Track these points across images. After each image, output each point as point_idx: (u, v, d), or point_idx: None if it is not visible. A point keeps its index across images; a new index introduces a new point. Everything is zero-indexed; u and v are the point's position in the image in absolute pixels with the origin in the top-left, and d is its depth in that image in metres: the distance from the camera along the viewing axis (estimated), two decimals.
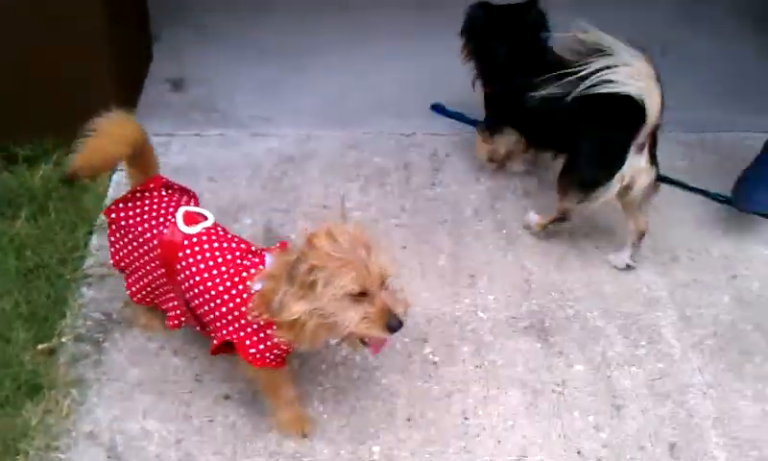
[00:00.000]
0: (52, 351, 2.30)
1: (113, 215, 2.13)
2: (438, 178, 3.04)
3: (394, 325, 1.80)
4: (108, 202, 2.82)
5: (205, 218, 2.06)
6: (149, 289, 2.15)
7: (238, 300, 1.93)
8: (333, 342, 2.09)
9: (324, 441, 2.13)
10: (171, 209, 2.07)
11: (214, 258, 1.98)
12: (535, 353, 2.39)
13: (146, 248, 2.08)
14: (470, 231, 2.81)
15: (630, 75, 2.26)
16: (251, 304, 1.91)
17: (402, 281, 2.19)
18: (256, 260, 1.96)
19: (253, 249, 2.02)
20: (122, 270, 2.19)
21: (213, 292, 1.96)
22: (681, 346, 2.42)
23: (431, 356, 2.36)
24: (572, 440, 2.16)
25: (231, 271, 1.95)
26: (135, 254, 2.12)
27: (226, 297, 1.95)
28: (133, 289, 2.18)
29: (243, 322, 1.93)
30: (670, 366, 2.36)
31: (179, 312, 2.12)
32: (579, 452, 2.13)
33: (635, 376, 2.33)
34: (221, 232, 2.05)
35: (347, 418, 2.18)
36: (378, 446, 2.12)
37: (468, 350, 2.40)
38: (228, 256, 1.98)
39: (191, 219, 2.04)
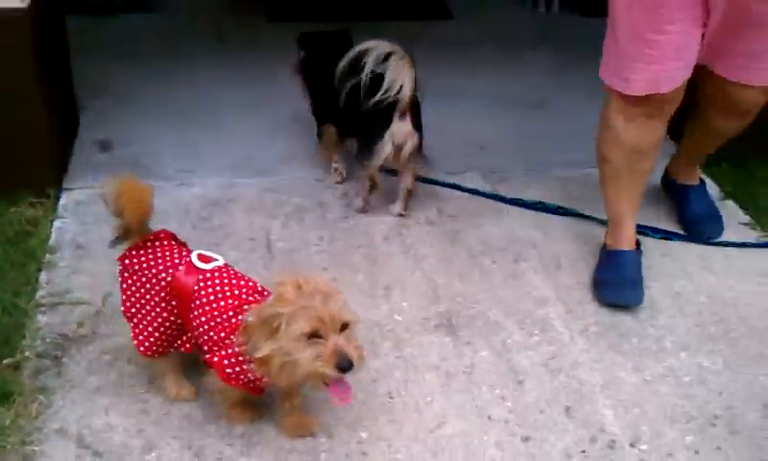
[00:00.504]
0: (17, 366, 2.52)
1: (127, 261, 2.34)
2: (350, 213, 3.45)
3: (343, 365, 2.02)
4: (52, 244, 3.09)
5: (217, 259, 2.32)
6: (157, 335, 2.34)
7: (228, 325, 2.18)
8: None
9: (271, 422, 2.42)
10: (183, 253, 2.33)
11: (223, 291, 2.21)
12: (446, 345, 2.78)
13: (158, 288, 2.29)
14: (382, 254, 3.21)
15: (386, 60, 3.02)
16: (236, 334, 2.17)
17: None
18: (259, 298, 2.22)
19: (259, 288, 2.27)
20: (131, 318, 2.35)
21: (216, 320, 2.20)
22: (569, 333, 2.86)
23: None
24: (483, 409, 2.53)
25: (236, 303, 2.20)
26: (147, 297, 2.31)
27: (223, 323, 2.19)
28: (141, 339, 2.35)
29: (228, 344, 2.18)
30: (561, 349, 2.79)
31: (187, 339, 2.35)
32: (489, 417, 2.50)
33: (532, 358, 2.74)
34: (231, 271, 2.30)
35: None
36: (318, 425, 2.43)
37: (388, 345, 2.76)
38: (236, 292, 2.23)
39: (205, 259, 2.30)
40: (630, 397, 2.60)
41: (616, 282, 2.95)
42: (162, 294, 2.30)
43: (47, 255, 3.03)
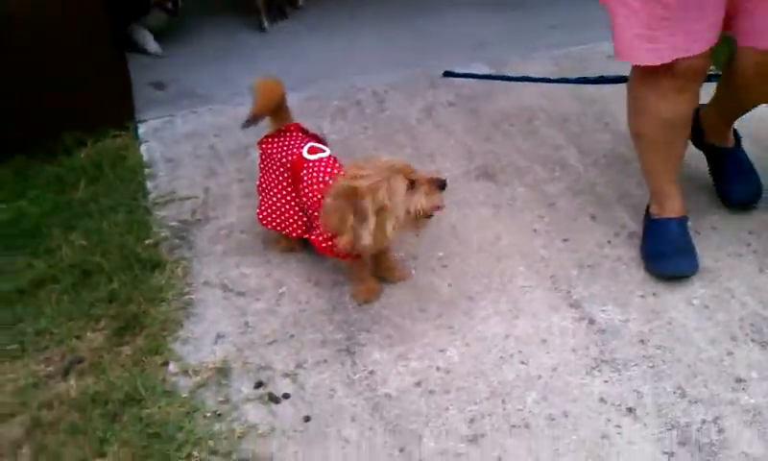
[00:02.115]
0: (156, 245, 3.14)
1: (263, 146, 2.90)
2: (384, 105, 4.08)
3: (442, 184, 2.54)
4: (146, 161, 3.69)
5: (324, 151, 2.83)
6: (274, 208, 2.88)
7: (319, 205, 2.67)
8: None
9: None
10: (302, 144, 2.84)
11: (319, 177, 2.73)
12: (489, 188, 3.42)
13: (281, 170, 2.83)
14: (419, 132, 3.85)
15: None
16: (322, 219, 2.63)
17: None
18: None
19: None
20: (261, 192, 2.91)
21: (314, 200, 2.72)
22: (583, 166, 3.52)
23: None
24: (528, 225, 3.20)
25: (325, 186, 2.67)
26: (272, 176, 2.86)
27: (318, 204, 2.71)
28: (262, 209, 2.91)
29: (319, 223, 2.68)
30: (579, 178, 3.45)
31: (299, 223, 2.87)
32: (534, 230, 3.17)
33: (558, 186, 3.40)
34: (331, 161, 2.80)
35: None
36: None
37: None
38: (328, 178, 2.71)
39: (313, 151, 2.81)
40: (641, 201, 3.26)
41: (669, 253, 2.84)
42: (284, 175, 2.89)
43: (146, 170, 3.63)
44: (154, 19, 4.74)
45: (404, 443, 2.35)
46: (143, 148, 3.80)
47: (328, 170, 2.82)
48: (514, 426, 2.37)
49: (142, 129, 3.97)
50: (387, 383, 2.54)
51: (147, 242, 3.13)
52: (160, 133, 3.93)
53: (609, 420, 2.38)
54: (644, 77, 2.66)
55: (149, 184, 3.52)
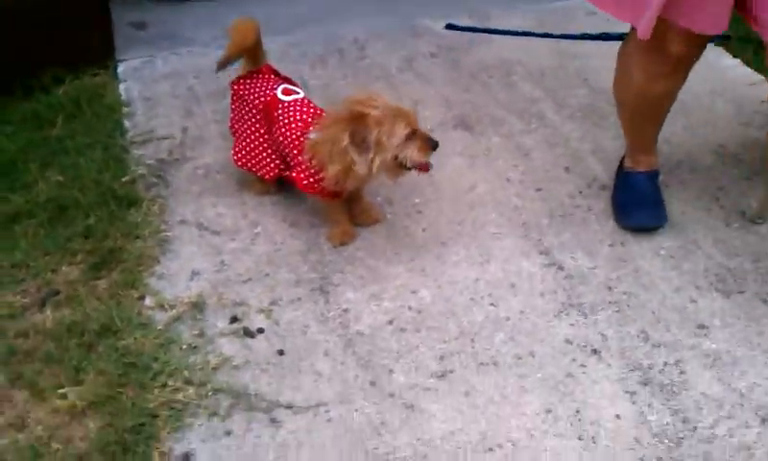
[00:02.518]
0: (132, 181, 3.15)
1: (236, 86, 2.90)
2: (365, 53, 4.09)
3: (434, 145, 2.63)
4: (125, 99, 3.69)
5: (298, 93, 2.88)
6: (248, 150, 2.91)
7: (300, 144, 2.73)
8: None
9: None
10: (274, 85, 2.87)
11: (296, 117, 2.78)
12: (465, 138, 3.47)
13: (254, 111, 2.85)
14: (399, 81, 3.87)
15: None
16: (305, 151, 2.69)
17: None
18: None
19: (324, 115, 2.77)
20: (234, 133, 2.95)
21: (289, 140, 2.77)
22: (560, 118, 3.57)
23: None
24: (502, 174, 3.25)
25: (304, 127, 2.75)
26: (246, 117, 2.88)
27: (297, 143, 2.74)
28: (237, 151, 2.95)
29: (300, 160, 2.74)
30: (555, 130, 3.50)
31: (273, 165, 2.91)
32: (508, 179, 3.22)
33: (534, 138, 3.45)
34: (306, 102, 2.84)
35: None
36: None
37: None
38: (305, 117, 2.77)
39: (287, 92, 2.85)
40: (614, 155, 3.32)
41: (637, 205, 2.89)
42: (257, 117, 2.91)
43: (124, 108, 3.62)
44: None
45: (375, 377, 2.40)
46: (122, 87, 3.79)
47: (304, 110, 2.85)
48: (482, 364, 2.44)
49: (121, 68, 3.96)
50: (360, 321, 2.59)
51: (124, 179, 3.15)
52: (139, 73, 3.92)
53: (574, 360, 2.45)
54: (638, 51, 2.59)
55: (127, 123, 3.52)
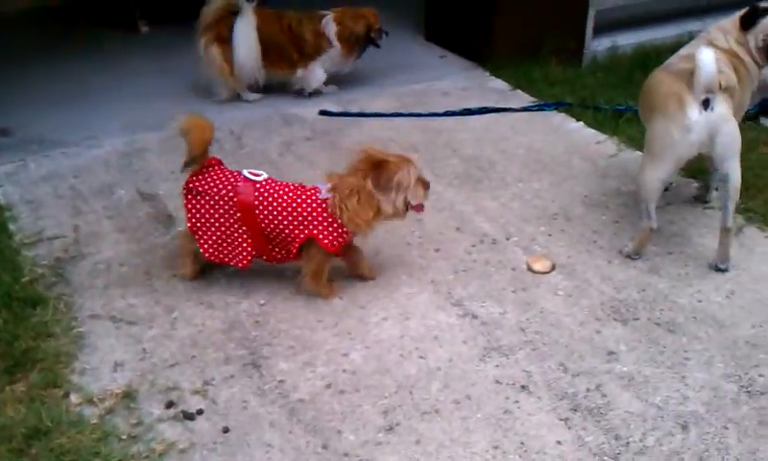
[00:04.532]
0: (32, 282, 3.03)
1: (191, 185, 2.88)
2: (242, 142, 4.19)
3: (428, 185, 2.95)
4: (5, 204, 3.56)
5: (262, 173, 2.94)
6: (219, 242, 2.90)
7: (310, 208, 2.83)
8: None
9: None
10: (235, 173, 2.91)
11: (283, 192, 2.86)
12: None
13: (221, 203, 2.86)
14: (283, 164, 3.99)
15: None
16: (329, 207, 2.83)
17: None
18: (312, 188, 2.91)
19: (304, 185, 2.93)
20: (196, 232, 2.91)
21: (289, 209, 2.83)
22: (441, 185, 3.82)
23: None
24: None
25: (298, 195, 2.86)
26: (211, 212, 2.87)
27: (299, 210, 2.83)
28: (206, 247, 2.91)
29: (316, 222, 2.83)
30: (442, 194, 3.74)
31: (249, 249, 2.91)
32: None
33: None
34: (277, 180, 2.93)
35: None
36: None
37: None
38: (292, 188, 2.89)
39: (254, 174, 2.92)
40: (495, 214, 3.60)
41: None
42: (226, 207, 2.87)
43: (6, 213, 3.49)
44: None
45: (326, 440, 2.44)
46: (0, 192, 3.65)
47: (284, 186, 2.92)
48: (425, 413, 2.54)
49: None
50: (298, 389, 2.62)
51: (23, 280, 3.02)
52: (15, 178, 3.80)
53: (507, 397, 2.60)
54: None
55: (12, 226, 3.40)
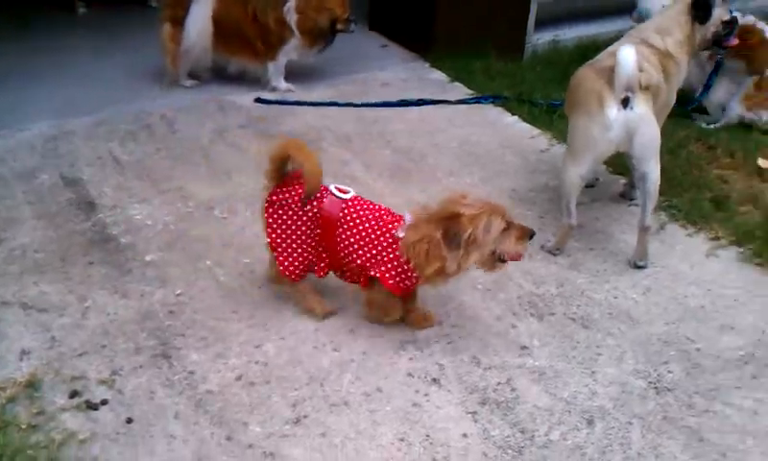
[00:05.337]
0: None
1: (273, 197, 2.67)
2: (175, 128, 4.14)
3: (532, 234, 2.58)
4: None
5: (350, 191, 2.71)
6: (301, 260, 2.70)
7: (385, 243, 2.61)
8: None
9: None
10: (322, 188, 2.67)
11: (365, 217, 2.64)
12: None
13: (304, 218, 2.66)
14: (213, 151, 3.94)
15: None
16: (399, 248, 2.57)
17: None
18: (397, 217, 2.66)
19: (392, 211, 2.69)
20: (276, 248, 2.71)
21: (366, 240, 2.62)
22: (372, 178, 3.81)
23: None
24: None
25: (378, 225, 2.63)
26: (294, 227, 2.67)
27: (375, 242, 2.62)
28: (287, 264, 2.71)
29: (387, 259, 2.62)
30: (366, 188, 3.72)
31: (324, 264, 2.75)
32: None
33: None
34: (365, 199, 2.71)
35: None
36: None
37: (242, 205, 3.53)
38: (377, 214, 2.65)
39: (342, 191, 2.70)
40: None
41: None
42: (309, 223, 2.68)
43: None
44: None
45: (231, 432, 2.42)
46: None
47: (372, 208, 2.70)
48: (333, 405, 2.53)
49: None
50: (207, 381, 2.60)
51: None
52: None
53: (417, 391, 2.61)
54: None
55: None
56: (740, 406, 2.62)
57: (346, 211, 2.67)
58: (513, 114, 4.49)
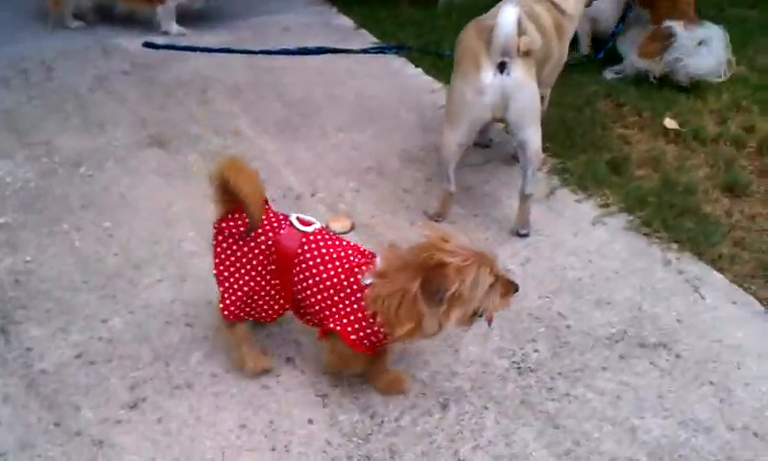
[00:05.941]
0: None
1: (222, 225, 2.28)
2: (53, 74, 3.89)
3: (516, 288, 2.15)
4: None
5: (315, 222, 2.31)
6: (244, 300, 2.31)
7: (349, 290, 2.20)
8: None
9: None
10: (281, 217, 2.30)
11: (328, 256, 2.23)
12: (161, 155, 3.41)
13: (256, 252, 2.27)
14: (89, 101, 3.73)
15: None
16: (365, 299, 2.14)
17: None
18: (367, 257, 2.25)
19: (361, 248, 2.28)
20: (222, 283, 2.31)
21: (328, 283, 2.21)
22: (255, 133, 3.63)
23: None
24: (202, 190, 3.25)
25: (342, 266, 2.21)
26: (244, 260, 2.28)
27: (336, 288, 2.20)
28: (227, 303, 2.30)
29: (349, 311, 2.20)
30: (251, 146, 3.55)
31: (277, 307, 2.36)
32: (205, 195, 3.22)
33: (232, 152, 3.48)
34: (331, 234, 2.32)
35: None
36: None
37: (111, 163, 3.34)
38: (342, 253, 2.24)
39: (304, 223, 2.31)
40: (306, 166, 3.44)
41: None
42: (260, 257, 2.28)
43: None
44: None
45: (60, 417, 2.29)
46: None
47: (336, 244, 2.29)
48: (176, 387, 2.41)
49: None
50: (44, 359, 2.45)
51: None
52: None
53: (268, 371, 2.48)
54: None
55: None
56: (603, 390, 2.54)
57: (306, 247, 2.26)
58: (416, 66, 4.32)
